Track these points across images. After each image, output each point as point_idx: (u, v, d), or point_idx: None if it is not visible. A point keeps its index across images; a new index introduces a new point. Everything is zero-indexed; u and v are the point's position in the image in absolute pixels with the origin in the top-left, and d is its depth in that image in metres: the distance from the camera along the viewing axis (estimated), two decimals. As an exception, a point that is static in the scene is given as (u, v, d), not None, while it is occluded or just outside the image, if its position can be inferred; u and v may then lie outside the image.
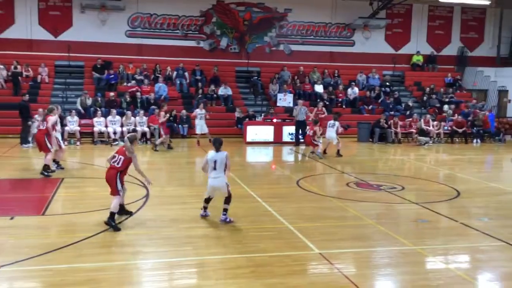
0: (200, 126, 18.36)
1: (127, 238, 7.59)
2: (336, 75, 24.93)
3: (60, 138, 13.06)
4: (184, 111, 20.35)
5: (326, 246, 7.33)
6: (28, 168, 13.05)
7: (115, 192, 7.99)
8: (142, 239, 7.62)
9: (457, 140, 21.51)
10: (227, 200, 8.34)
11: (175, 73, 23.06)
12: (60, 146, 12.75)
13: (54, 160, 12.49)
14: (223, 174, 8.26)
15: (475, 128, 21.73)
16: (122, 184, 8.09)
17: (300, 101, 20.18)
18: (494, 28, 27.70)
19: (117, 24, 23.70)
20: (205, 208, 8.61)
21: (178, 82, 22.74)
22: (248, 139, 19.41)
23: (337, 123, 16.27)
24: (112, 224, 7.81)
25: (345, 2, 25.41)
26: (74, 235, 7.52)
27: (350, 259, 7.11)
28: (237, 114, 21.11)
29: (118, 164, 7.97)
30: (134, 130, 17.12)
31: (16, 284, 5.91)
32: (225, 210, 8.35)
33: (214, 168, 8.16)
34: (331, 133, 16.21)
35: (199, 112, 18.43)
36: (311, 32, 25.89)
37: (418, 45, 26.89)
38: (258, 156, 18.00)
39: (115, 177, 7.94)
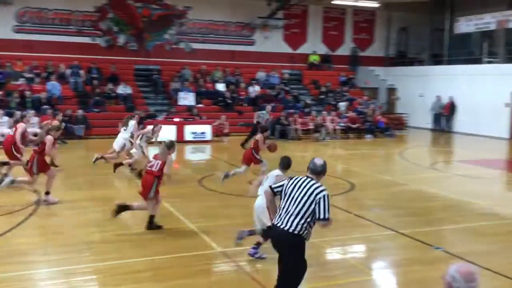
0: None
1: (19, 248, 7.08)
2: (237, 73, 25.16)
3: None
4: (80, 111, 19.45)
5: (229, 245, 7.34)
6: None
7: (146, 196, 7.79)
8: (35, 248, 7.15)
9: (351, 135, 22.62)
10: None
11: (69, 70, 21.92)
12: None
13: None
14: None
15: (367, 124, 23.01)
16: (157, 193, 7.87)
17: (269, 107, 19.86)
18: (383, 30, 29.54)
19: (2, 19, 22.00)
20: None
21: (73, 80, 21.63)
22: (149, 138, 18.93)
23: None
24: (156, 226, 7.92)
25: (244, 2, 25.68)
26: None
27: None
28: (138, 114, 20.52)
29: (155, 168, 7.81)
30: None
31: None
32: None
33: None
34: None
35: None
36: (211, 30, 25.88)
37: (314, 45, 27.89)
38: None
39: (152, 182, 7.75)
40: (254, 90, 24.20)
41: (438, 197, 11.19)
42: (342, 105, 24.34)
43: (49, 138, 9.56)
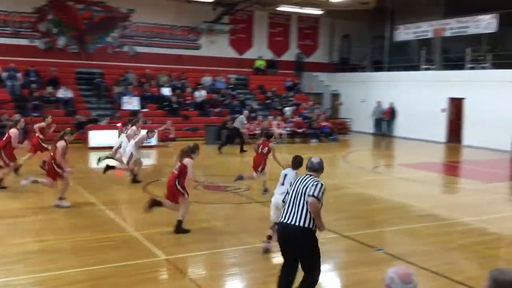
0: None
1: None
2: (183, 78, 24.91)
3: None
4: (17, 115, 18.59)
5: (173, 252, 7.23)
6: None
7: (180, 195, 8.03)
8: (-36, 261, 6.75)
9: (297, 140, 22.89)
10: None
11: (5, 73, 20.95)
12: None
13: None
14: None
15: (312, 129, 23.35)
16: (184, 188, 8.12)
17: (246, 112, 20.74)
18: (326, 36, 30.15)
19: None
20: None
21: (10, 83, 20.70)
22: (92, 144, 18.43)
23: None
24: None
25: (189, 6, 25.49)
26: None
27: (198, 262, 7.11)
28: (79, 118, 19.92)
29: (176, 170, 8.14)
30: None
31: None
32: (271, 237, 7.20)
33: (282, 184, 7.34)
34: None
35: None
36: (156, 34, 25.51)
37: (260, 50, 28.08)
38: (102, 161, 17.13)
39: (174, 183, 8.01)
40: (201, 94, 24.05)
41: (380, 199, 11.50)
42: (288, 110, 24.61)
43: (61, 144, 9.29)
